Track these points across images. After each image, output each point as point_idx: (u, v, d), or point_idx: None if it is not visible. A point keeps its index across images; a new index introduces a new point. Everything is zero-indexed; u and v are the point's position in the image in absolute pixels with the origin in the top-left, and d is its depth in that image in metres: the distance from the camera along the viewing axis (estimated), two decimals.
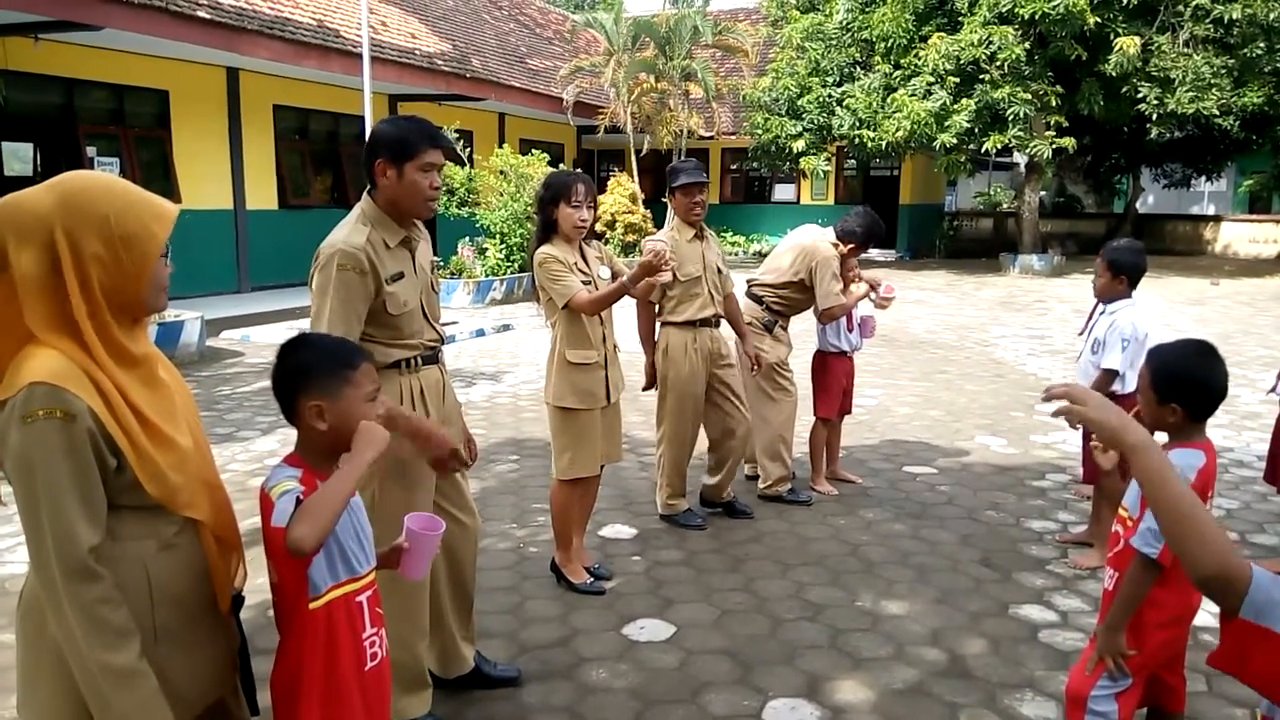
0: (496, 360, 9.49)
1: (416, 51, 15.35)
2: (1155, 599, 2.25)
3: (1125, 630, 2.26)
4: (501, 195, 14.04)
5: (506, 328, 11.51)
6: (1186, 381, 2.25)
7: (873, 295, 5.13)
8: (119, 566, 1.54)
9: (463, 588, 3.03)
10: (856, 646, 3.45)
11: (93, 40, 10.78)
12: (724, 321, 4.64)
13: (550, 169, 12.75)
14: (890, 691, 3.15)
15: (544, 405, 3.86)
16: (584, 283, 3.61)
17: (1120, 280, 4.14)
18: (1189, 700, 2.81)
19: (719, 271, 4.56)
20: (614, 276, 3.75)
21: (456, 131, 13.90)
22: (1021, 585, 4.00)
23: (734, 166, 23.89)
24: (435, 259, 2.91)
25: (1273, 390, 4.47)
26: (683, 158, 18.93)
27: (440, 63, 15.66)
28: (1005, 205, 26.64)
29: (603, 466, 3.92)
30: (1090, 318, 4.63)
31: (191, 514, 1.63)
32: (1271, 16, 14.95)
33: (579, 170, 4.46)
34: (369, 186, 2.64)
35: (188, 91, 12.59)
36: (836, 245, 5.02)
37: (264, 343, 10.23)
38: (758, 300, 5.09)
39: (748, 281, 5.20)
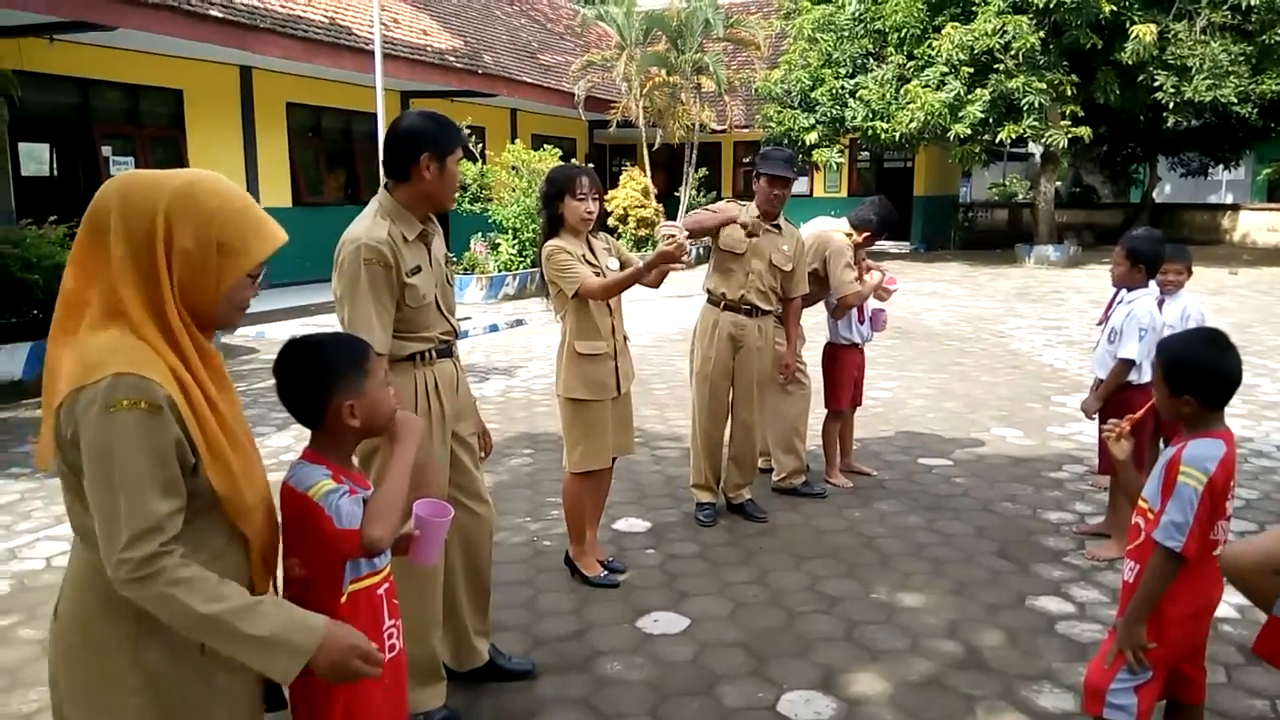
0: (510, 355, 9.50)
1: (428, 48, 15.36)
2: (1175, 592, 2.23)
3: (1145, 623, 2.24)
4: (514, 191, 14.05)
5: (520, 323, 11.53)
6: (1198, 372, 2.23)
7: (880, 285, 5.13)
8: (112, 589, 1.47)
9: (478, 579, 3.03)
10: (872, 639, 3.44)
11: (107, 40, 10.84)
12: (768, 316, 4.58)
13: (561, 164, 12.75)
14: (906, 684, 3.13)
15: (556, 399, 3.86)
16: (592, 273, 3.60)
17: (1139, 269, 4.10)
18: (1210, 692, 2.79)
19: (771, 264, 4.48)
20: (623, 267, 3.74)
21: (469, 128, 13.90)
22: (1038, 577, 3.98)
23: (746, 160, 23.79)
24: (449, 254, 2.92)
25: None
26: (694, 149, 18.90)
27: (452, 59, 15.67)
28: (1020, 196, 26.48)
29: (615, 459, 3.91)
30: (1109, 308, 4.60)
31: (245, 526, 1.58)
32: None
33: (584, 164, 4.45)
34: (386, 181, 2.65)
35: (201, 91, 12.65)
36: (851, 235, 5.01)
37: (278, 339, 10.23)
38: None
39: None
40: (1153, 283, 4.23)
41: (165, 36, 10.67)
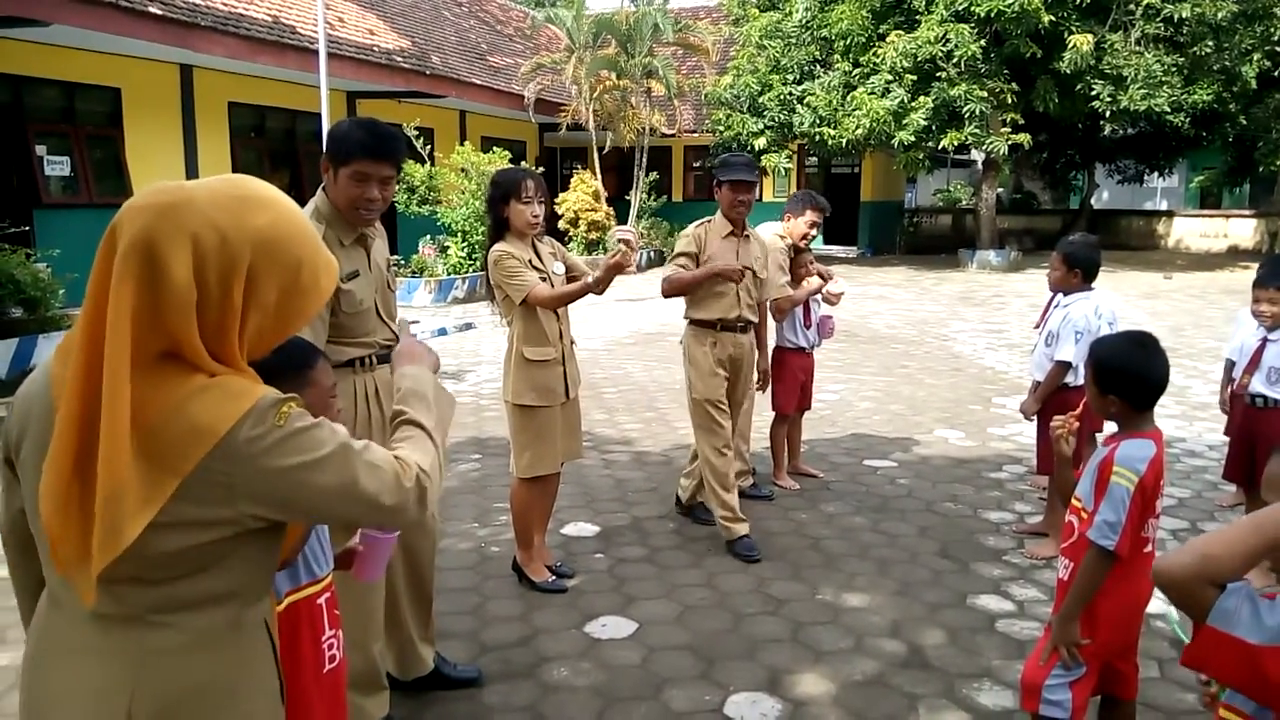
0: (459, 359, 9.42)
1: (375, 48, 15.19)
2: (1108, 589, 2.28)
3: (1079, 619, 2.29)
4: (463, 193, 13.95)
5: (469, 326, 11.44)
6: (1125, 373, 2.29)
7: (824, 290, 5.19)
8: (249, 638, 1.40)
9: (421, 588, 3.00)
10: (817, 639, 3.47)
11: (41, 36, 10.54)
12: (752, 328, 4.45)
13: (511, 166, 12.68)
14: (850, 683, 3.17)
15: (504, 405, 3.84)
16: (539, 279, 3.59)
17: (1075, 274, 4.20)
18: (1142, 686, 2.86)
19: (754, 275, 4.34)
20: (568, 271, 3.74)
21: (417, 129, 13.79)
22: (979, 576, 4.05)
23: (696, 164, 23.91)
24: (396, 257, 2.88)
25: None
26: (644, 153, 18.93)
27: (399, 59, 15.52)
28: (964, 202, 26.96)
29: (563, 464, 3.90)
30: (1046, 311, 4.71)
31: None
32: (1219, 16, 15.25)
33: (529, 166, 4.42)
34: (324, 182, 2.61)
35: (140, 89, 12.35)
36: (784, 236, 5.09)
37: None
38: None
39: None
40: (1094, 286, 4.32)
41: (102, 33, 10.41)
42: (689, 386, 4.37)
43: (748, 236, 4.38)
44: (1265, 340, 4.02)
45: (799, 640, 3.47)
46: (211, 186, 1.31)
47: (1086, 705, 2.35)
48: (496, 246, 3.60)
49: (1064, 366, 4.13)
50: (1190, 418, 6.86)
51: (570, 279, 3.73)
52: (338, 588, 2.59)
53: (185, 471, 1.22)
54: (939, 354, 9.67)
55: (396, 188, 2.68)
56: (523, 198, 3.56)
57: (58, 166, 11.68)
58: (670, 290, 4.32)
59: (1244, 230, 22.87)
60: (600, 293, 3.71)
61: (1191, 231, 23.62)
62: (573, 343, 3.82)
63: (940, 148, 17.31)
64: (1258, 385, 4.01)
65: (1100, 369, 2.33)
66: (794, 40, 18.31)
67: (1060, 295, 4.31)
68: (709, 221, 4.38)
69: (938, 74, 16.32)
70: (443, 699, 3.05)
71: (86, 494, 1.21)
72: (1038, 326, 4.89)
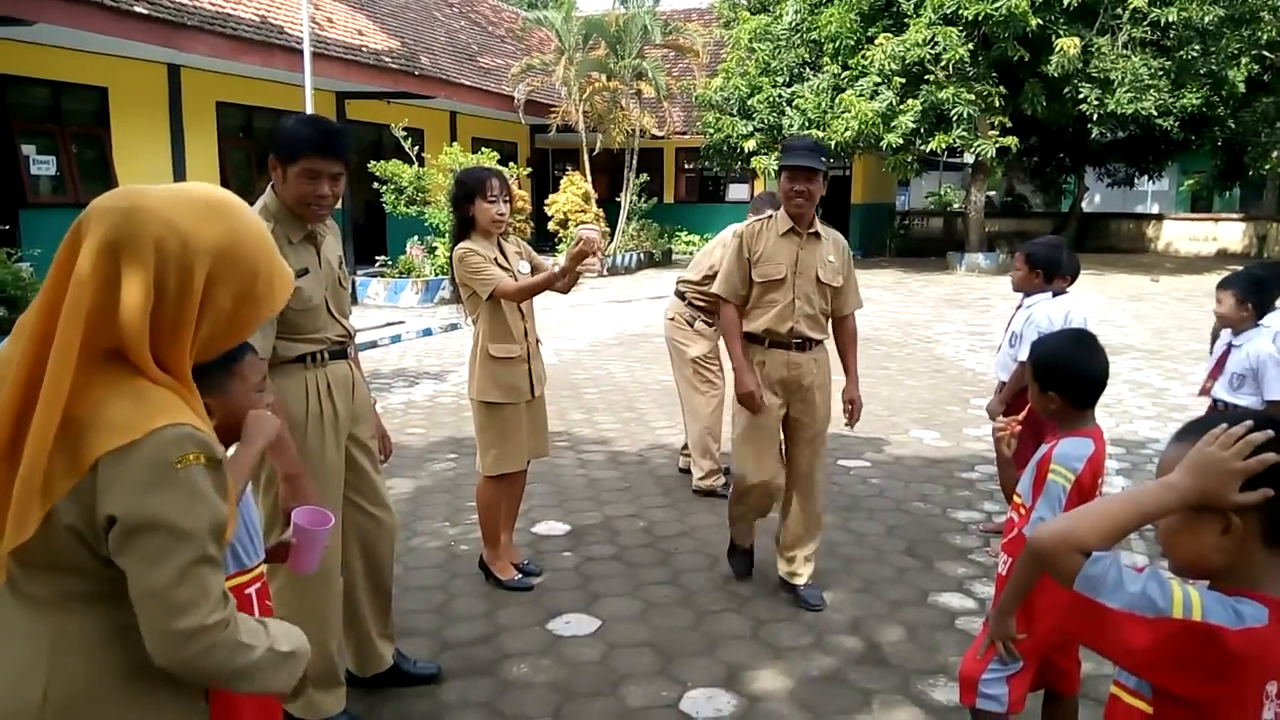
0: (442, 359, 9.45)
1: (363, 49, 15.20)
2: (1046, 584, 2.30)
3: (1016, 614, 2.32)
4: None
5: (454, 327, 11.45)
6: (1063, 371, 2.32)
7: None
8: None
9: (380, 585, 3.02)
10: (777, 636, 3.50)
11: (26, 35, 10.53)
12: (821, 346, 3.75)
13: (500, 168, 12.67)
14: (807, 679, 3.19)
15: (470, 402, 3.86)
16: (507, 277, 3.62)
17: (1036, 274, 4.25)
18: (1093, 682, 2.90)
19: (819, 283, 3.64)
20: (534, 270, 3.77)
21: (405, 130, 13.81)
22: (943, 574, 4.08)
23: (688, 166, 23.97)
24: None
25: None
26: (635, 155, 18.95)
27: (388, 60, 15.52)
28: (956, 205, 27.05)
29: (530, 462, 3.93)
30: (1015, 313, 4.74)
31: None
32: (1206, 20, 15.32)
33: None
34: (272, 180, 2.63)
35: (127, 88, 12.35)
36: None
37: None
38: (681, 296, 5.21)
39: (677, 280, 5.33)
40: (1071, 289, 4.36)
41: (88, 32, 10.41)
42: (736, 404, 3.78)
43: (816, 234, 3.66)
44: (1230, 346, 4.05)
45: (759, 637, 3.50)
46: (175, 193, 1.34)
47: (1024, 699, 2.37)
48: (462, 244, 3.63)
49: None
50: (1166, 419, 6.90)
51: None
52: (293, 585, 2.62)
53: (82, 470, 1.24)
54: (921, 355, 9.70)
55: (384, 188, 2.70)
56: (488, 196, 3.59)
57: (44, 166, 11.68)
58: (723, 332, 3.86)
59: (1233, 234, 23.00)
60: (565, 289, 3.72)
61: (1181, 235, 23.74)
62: (538, 341, 3.85)
63: (929, 150, 17.36)
64: (1220, 391, 4.04)
65: (1040, 366, 2.36)
66: (783, 43, 18.36)
67: (1025, 296, 4.35)
68: (770, 217, 3.74)
69: (926, 77, 16.37)
70: (400, 695, 3.07)
71: (11, 472, 1.24)
72: (1008, 328, 4.92)
